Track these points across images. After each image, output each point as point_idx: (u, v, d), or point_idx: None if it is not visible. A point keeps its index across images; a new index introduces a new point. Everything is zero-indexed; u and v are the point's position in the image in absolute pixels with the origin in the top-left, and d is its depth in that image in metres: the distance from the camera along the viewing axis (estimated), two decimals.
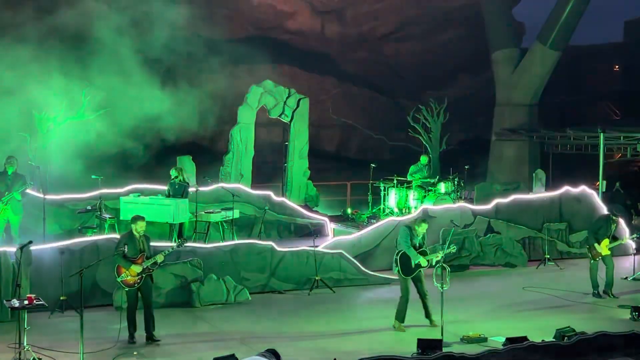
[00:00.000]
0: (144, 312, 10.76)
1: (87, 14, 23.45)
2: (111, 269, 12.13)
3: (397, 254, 11.87)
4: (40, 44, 19.88)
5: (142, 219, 10.98)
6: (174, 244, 11.07)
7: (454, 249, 12.56)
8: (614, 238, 14.28)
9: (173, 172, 15.68)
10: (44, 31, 20.95)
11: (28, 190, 14.62)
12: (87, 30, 22.42)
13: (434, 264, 12.15)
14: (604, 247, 13.95)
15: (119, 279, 10.68)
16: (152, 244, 11.15)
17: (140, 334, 10.78)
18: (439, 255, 11.95)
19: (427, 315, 11.92)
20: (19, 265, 9.87)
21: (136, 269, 10.65)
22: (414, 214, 17.06)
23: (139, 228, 10.81)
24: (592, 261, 14.07)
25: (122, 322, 10.67)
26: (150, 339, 10.68)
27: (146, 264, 10.72)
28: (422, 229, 11.85)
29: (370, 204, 21.11)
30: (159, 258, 10.82)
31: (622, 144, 22.68)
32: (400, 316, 11.85)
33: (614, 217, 14.23)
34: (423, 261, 11.71)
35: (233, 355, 9.67)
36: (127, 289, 10.71)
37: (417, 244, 11.82)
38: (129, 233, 10.92)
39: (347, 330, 11.77)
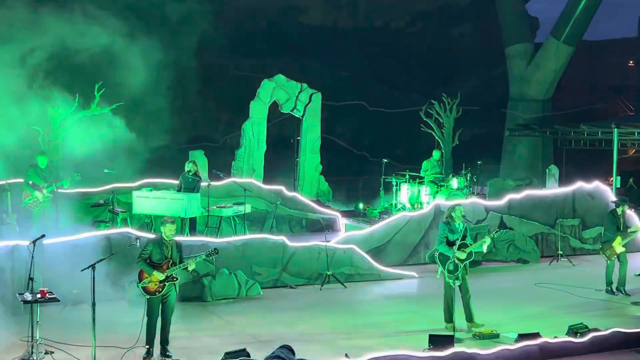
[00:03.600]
0: (160, 323, 10.12)
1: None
2: (123, 263, 12.19)
3: (436, 255, 11.48)
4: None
5: (172, 221, 10.13)
6: (203, 254, 10.57)
7: (496, 234, 11.99)
8: (625, 228, 14.04)
9: (187, 166, 15.70)
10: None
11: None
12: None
13: (484, 250, 11.57)
14: (617, 245, 13.82)
15: (139, 285, 10.01)
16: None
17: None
18: (488, 240, 11.43)
19: (468, 317, 11.46)
20: (32, 259, 9.90)
21: (159, 275, 9.90)
22: (426, 209, 17.00)
23: (167, 231, 10.01)
24: (608, 261, 13.92)
25: (133, 316, 10.64)
26: (164, 354, 10.07)
27: (170, 272, 9.97)
28: (457, 213, 11.33)
29: (382, 199, 21.09)
30: (191, 265, 10.14)
31: (636, 139, 22.54)
32: (447, 316, 11.41)
33: (617, 209, 14.02)
34: (461, 254, 11.17)
35: (244, 349, 9.69)
36: (148, 297, 10.02)
37: (458, 238, 11.23)
38: (158, 237, 10.17)
39: (359, 325, 11.75)
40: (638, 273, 15.38)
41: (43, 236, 10.65)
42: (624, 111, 33.92)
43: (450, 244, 11.31)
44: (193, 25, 27.65)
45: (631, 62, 35.67)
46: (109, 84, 20.23)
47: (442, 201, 17.37)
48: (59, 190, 15.16)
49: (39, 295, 9.61)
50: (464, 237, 11.36)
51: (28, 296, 9.59)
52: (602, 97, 35.27)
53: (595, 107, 35.12)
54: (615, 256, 13.84)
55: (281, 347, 9.63)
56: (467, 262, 11.41)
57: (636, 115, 31.18)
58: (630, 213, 16.76)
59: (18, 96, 18.30)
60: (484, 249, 11.59)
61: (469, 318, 11.49)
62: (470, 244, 11.37)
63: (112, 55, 20.81)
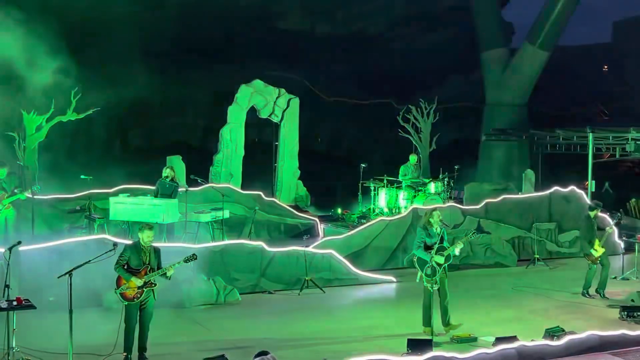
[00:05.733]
0: (138, 330, 10.06)
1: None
2: (101, 269, 12.07)
3: (415, 259, 11.50)
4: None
5: (150, 227, 10.12)
6: (182, 260, 10.48)
7: (473, 236, 11.93)
8: (600, 230, 14.24)
9: (165, 172, 15.64)
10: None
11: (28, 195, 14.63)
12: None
13: (457, 253, 11.58)
14: (598, 248, 13.94)
15: (117, 291, 9.95)
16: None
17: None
18: (461, 244, 11.48)
19: (444, 321, 11.49)
20: (8, 266, 9.80)
21: (137, 282, 9.85)
22: (404, 213, 17.07)
23: (145, 238, 9.99)
24: (593, 266, 14.00)
25: (111, 323, 10.57)
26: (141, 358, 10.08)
27: (149, 278, 9.94)
28: (435, 218, 11.40)
29: (360, 204, 21.14)
30: (169, 271, 10.03)
31: (611, 144, 22.79)
32: (426, 320, 11.43)
33: (591, 213, 14.15)
34: (439, 258, 11.23)
35: (223, 355, 9.67)
36: (126, 303, 9.93)
37: (436, 242, 11.29)
38: (136, 243, 10.13)
39: (337, 330, 11.76)
40: (614, 276, 15.54)
41: (19, 243, 10.56)
42: (599, 116, 34.28)
43: (428, 248, 11.36)
44: (169, 29, 27.58)
45: (605, 67, 36.07)
46: (85, 89, 20.12)
47: (419, 206, 17.44)
48: (36, 197, 14.98)
49: (15, 303, 9.52)
50: (441, 241, 11.43)
51: (4, 303, 9.49)
52: (577, 102, 35.60)
53: (571, 112, 35.46)
54: (599, 260, 13.94)
55: (259, 353, 9.60)
56: (446, 265, 11.47)
57: (611, 120, 31.53)
58: (603, 215, 17.05)
59: None
60: (457, 252, 11.63)
61: (446, 322, 11.55)
62: (448, 247, 11.44)
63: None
